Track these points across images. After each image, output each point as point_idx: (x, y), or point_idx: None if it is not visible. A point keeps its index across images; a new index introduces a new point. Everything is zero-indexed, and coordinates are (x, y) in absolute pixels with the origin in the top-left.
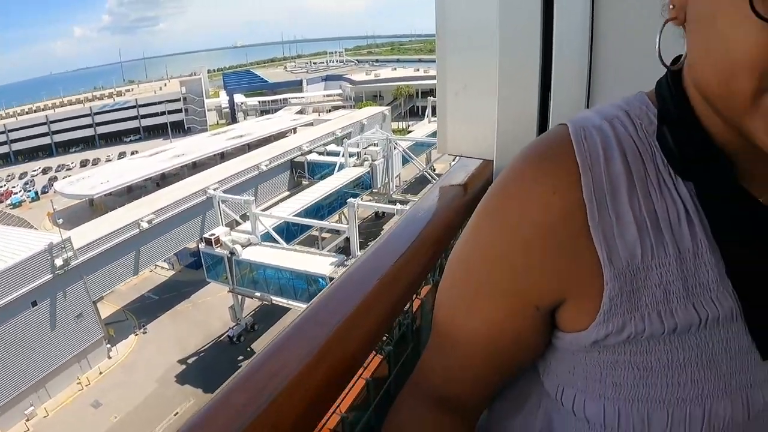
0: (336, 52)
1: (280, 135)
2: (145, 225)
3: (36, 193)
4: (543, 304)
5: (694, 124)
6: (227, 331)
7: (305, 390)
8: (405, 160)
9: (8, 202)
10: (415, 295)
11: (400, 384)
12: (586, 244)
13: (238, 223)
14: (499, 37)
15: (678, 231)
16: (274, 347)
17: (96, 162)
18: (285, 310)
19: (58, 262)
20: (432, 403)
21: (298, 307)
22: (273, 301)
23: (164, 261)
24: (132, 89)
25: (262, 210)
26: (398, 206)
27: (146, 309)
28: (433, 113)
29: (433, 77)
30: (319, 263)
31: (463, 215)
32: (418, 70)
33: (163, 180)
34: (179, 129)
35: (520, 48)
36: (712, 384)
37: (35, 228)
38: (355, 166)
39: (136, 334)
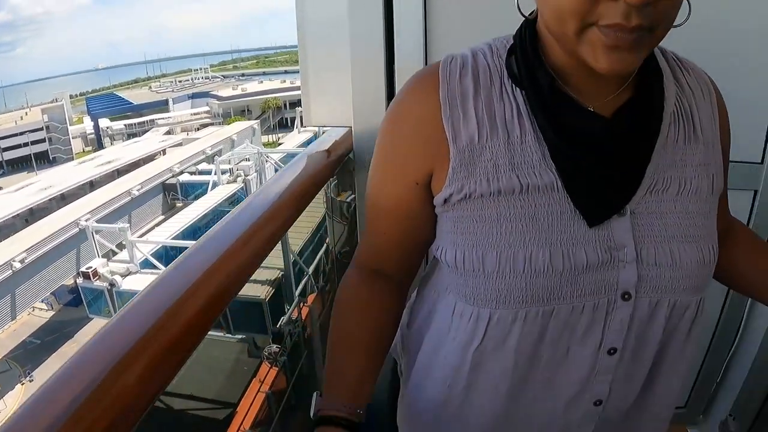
0: (201, 69)
1: (150, 158)
2: (18, 265)
3: None
4: (420, 180)
5: (534, 49)
6: None
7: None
8: None
9: None
10: (302, 303)
11: (301, 394)
12: (442, 133)
13: (114, 253)
14: (349, 24)
15: (510, 123)
16: (87, 349)
17: None
18: None
19: None
20: (367, 274)
21: None
22: None
23: (42, 302)
24: None
25: (139, 236)
26: None
27: (30, 355)
28: (302, 123)
29: (299, 88)
30: None
31: (328, 173)
32: (284, 81)
33: (32, 216)
34: (44, 160)
35: (367, 31)
36: (533, 236)
37: None
38: (228, 183)
39: (23, 383)
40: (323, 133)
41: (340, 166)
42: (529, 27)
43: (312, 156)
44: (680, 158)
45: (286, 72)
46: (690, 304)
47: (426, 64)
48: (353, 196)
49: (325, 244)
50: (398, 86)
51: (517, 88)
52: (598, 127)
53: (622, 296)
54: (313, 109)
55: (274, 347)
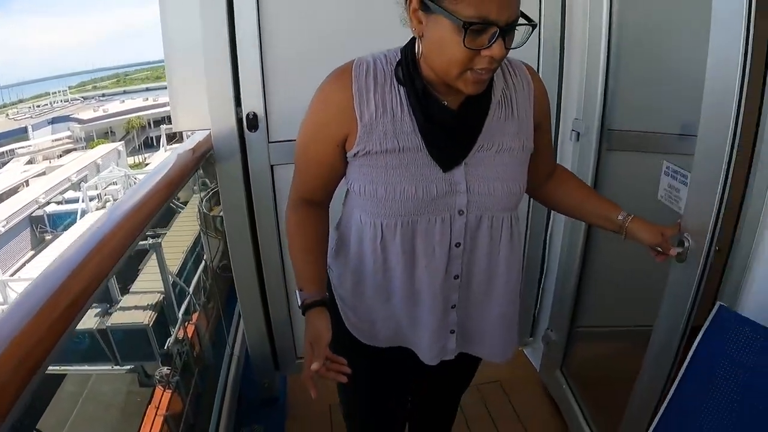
0: (59, 92)
1: (13, 190)
2: None
3: None
4: (339, 141)
5: (414, 65)
6: None
7: None
8: None
9: None
10: (187, 322)
11: (199, 412)
12: (354, 114)
13: None
14: (203, 44)
15: (395, 108)
16: None
17: None
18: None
19: None
20: (303, 204)
21: (69, 370)
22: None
23: None
24: None
25: (11, 276)
26: (150, 240)
27: None
28: (168, 141)
29: (162, 105)
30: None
31: (193, 166)
32: (147, 99)
33: None
34: None
35: (217, 51)
36: (406, 177)
37: None
38: (98, 209)
39: None
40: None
41: (204, 160)
42: (411, 49)
43: (181, 155)
44: (501, 130)
45: (147, 89)
46: (504, 218)
47: (263, 75)
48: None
49: (203, 262)
50: (243, 93)
51: (401, 87)
52: (449, 115)
53: (458, 212)
54: (180, 116)
55: (165, 369)
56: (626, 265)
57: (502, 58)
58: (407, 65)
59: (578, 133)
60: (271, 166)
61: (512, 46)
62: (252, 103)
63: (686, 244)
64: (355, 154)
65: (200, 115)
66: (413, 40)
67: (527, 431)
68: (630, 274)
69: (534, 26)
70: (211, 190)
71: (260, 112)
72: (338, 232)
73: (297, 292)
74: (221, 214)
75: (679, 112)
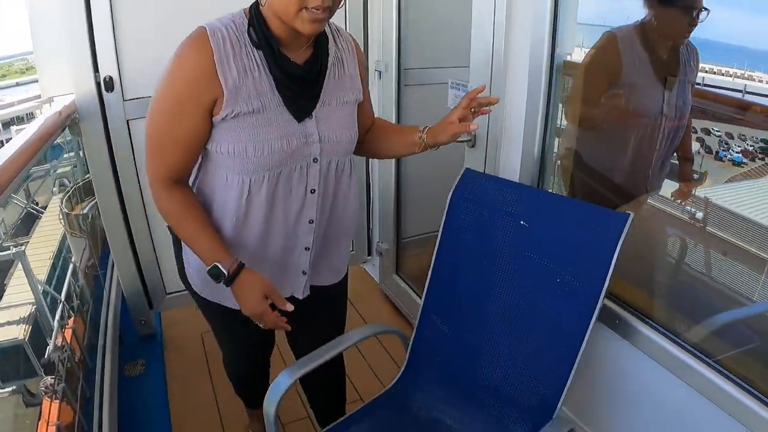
0: None
1: None
2: None
3: None
4: (208, 109)
5: (263, 25)
6: None
7: None
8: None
9: None
10: (63, 328)
11: (89, 416)
12: (218, 80)
13: None
14: (64, 20)
15: (254, 70)
16: None
17: None
18: None
19: None
20: (172, 186)
21: None
22: None
23: None
24: None
25: None
26: (13, 249)
27: None
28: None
29: (9, 105)
30: None
31: (60, 125)
32: None
33: None
34: None
35: (76, 24)
36: (272, 133)
37: None
38: None
39: None
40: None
41: (69, 120)
42: (257, 11)
43: (48, 117)
44: (337, 86)
45: None
46: (346, 161)
47: (115, 44)
48: (91, 204)
49: (71, 265)
50: (99, 60)
51: (256, 50)
52: (298, 70)
53: (313, 160)
54: (47, 84)
55: (49, 379)
56: (430, 182)
57: (337, 1)
58: (259, 25)
59: (380, 72)
60: (127, 121)
61: None
62: (108, 67)
63: (474, 134)
64: (223, 118)
65: (64, 81)
66: (255, 2)
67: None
68: (434, 188)
69: None
70: (71, 188)
71: (115, 75)
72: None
73: (217, 265)
74: (84, 211)
75: (453, 50)
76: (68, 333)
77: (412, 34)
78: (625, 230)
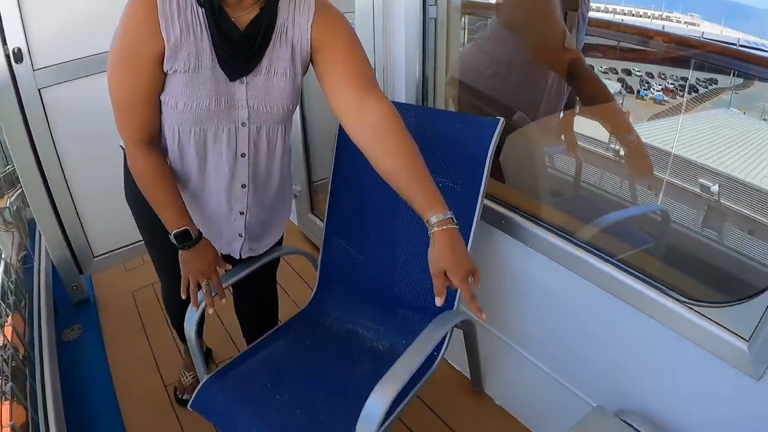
0: None
1: None
2: None
3: None
4: (156, 58)
5: None
6: None
7: None
8: None
9: None
10: (2, 326)
11: (41, 411)
12: (161, 37)
13: None
14: None
15: (196, 29)
16: None
17: None
18: None
19: None
20: (144, 146)
21: None
22: None
23: None
24: None
25: None
26: None
27: None
28: None
29: None
30: None
31: None
32: None
33: None
34: None
35: None
36: (203, 91)
37: None
38: None
39: None
40: None
41: None
42: None
43: None
44: (277, 56)
45: None
46: (279, 127)
47: (21, 15)
48: (14, 197)
49: (1, 261)
50: (6, 33)
51: (200, 8)
52: (235, 33)
53: (241, 124)
54: None
55: None
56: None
57: None
58: None
59: None
60: (39, 90)
61: None
62: (15, 39)
63: None
64: (166, 72)
65: None
66: None
67: (292, 266)
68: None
69: None
70: None
71: (23, 46)
72: None
73: (188, 230)
74: (8, 205)
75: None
76: (8, 331)
77: None
78: (496, 134)
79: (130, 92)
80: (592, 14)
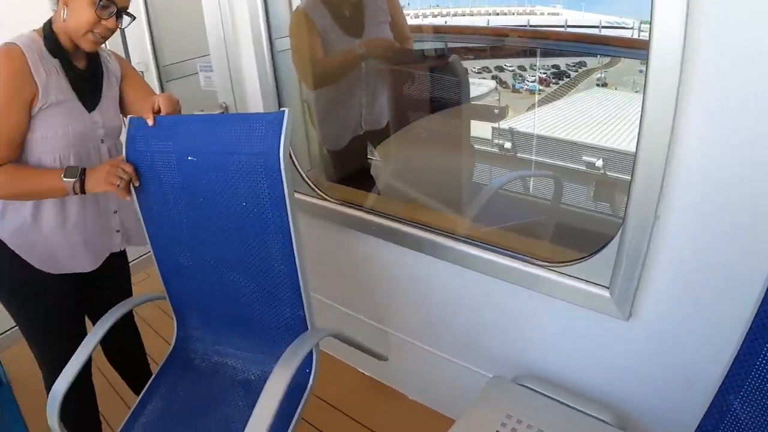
0: None
1: None
2: None
3: None
4: (27, 102)
5: (56, 39)
6: None
7: None
8: None
9: None
10: None
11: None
12: (34, 82)
13: None
14: None
15: (55, 74)
16: None
17: None
18: None
19: None
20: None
21: None
22: None
23: None
24: None
25: None
26: None
27: None
28: None
29: None
30: None
31: None
32: None
33: None
34: None
35: None
36: (70, 119)
37: None
38: None
39: None
40: None
41: None
42: (50, 30)
43: None
44: (108, 91)
45: None
46: (116, 142)
47: None
48: None
49: None
50: None
51: (54, 59)
52: (84, 73)
53: (101, 141)
54: None
55: None
56: None
57: (114, 29)
58: (54, 42)
59: (143, 72)
60: None
61: (121, 26)
62: None
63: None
64: (40, 108)
65: None
66: (48, 23)
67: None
68: None
69: (134, 18)
70: None
71: None
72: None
73: (70, 166)
74: None
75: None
76: None
77: (164, 34)
78: (285, 124)
79: (5, 134)
80: (458, 21)
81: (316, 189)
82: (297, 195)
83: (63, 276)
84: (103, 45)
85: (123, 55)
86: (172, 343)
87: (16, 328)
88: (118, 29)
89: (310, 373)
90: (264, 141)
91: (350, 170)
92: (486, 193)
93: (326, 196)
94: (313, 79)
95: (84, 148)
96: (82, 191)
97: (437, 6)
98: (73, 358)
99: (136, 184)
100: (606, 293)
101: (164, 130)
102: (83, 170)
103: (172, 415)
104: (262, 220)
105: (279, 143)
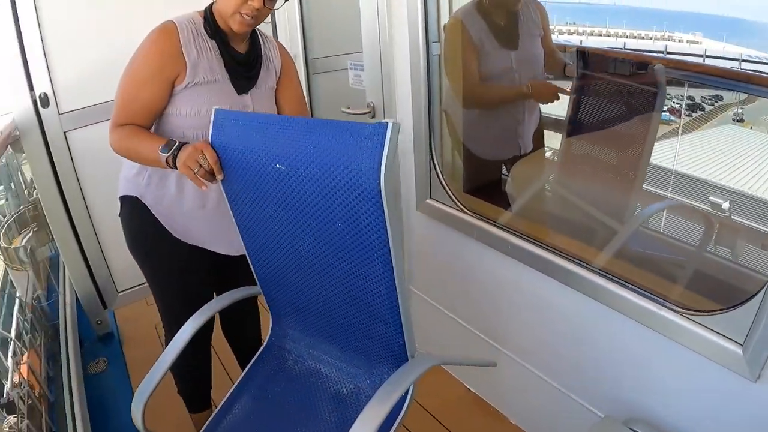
0: None
1: None
2: None
3: None
4: (170, 79)
5: (214, 21)
6: None
7: None
8: None
9: None
10: (19, 365)
11: None
12: (183, 58)
13: None
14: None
15: (208, 53)
16: None
17: None
18: None
19: None
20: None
21: None
22: None
23: None
24: None
25: None
26: None
27: None
28: None
29: None
30: None
31: (3, 143)
32: None
33: None
34: None
35: (8, 48)
36: (220, 99)
37: None
38: None
39: None
40: None
41: (12, 138)
42: (211, 12)
43: None
44: (265, 77)
45: None
46: None
47: (47, 63)
48: (28, 237)
49: (17, 300)
50: (34, 79)
51: (210, 39)
52: (240, 57)
53: None
54: None
55: (12, 419)
56: None
57: (260, 10)
58: (213, 23)
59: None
60: (65, 133)
61: (272, 7)
62: (42, 85)
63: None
64: (185, 86)
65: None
66: (210, 5)
67: None
68: None
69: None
70: (6, 221)
71: (49, 92)
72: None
73: (170, 140)
74: (23, 243)
75: (350, 38)
76: (24, 369)
77: (315, 27)
78: (388, 139)
79: (138, 98)
80: (596, 42)
81: (458, 201)
82: (431, 201)
83: (198, 248)
84: (270, 36)
85: None
86: (267, 337)
87: (134, 289)
88: (271, 11)
89: (405, 399)
90: (361, 157)
91: (482, 182)
92: (634, 221)
93: (464, 208)
94: (465, 97)
95: None
96: (174, 166)
97: (574, 23)
98: (191, 319)
99: (220, 177)
100: (739, 350)
101: (252, 130)
102: (179, 146)
103: (257, 419)
104: (360, 243)
105: (380, 161)
